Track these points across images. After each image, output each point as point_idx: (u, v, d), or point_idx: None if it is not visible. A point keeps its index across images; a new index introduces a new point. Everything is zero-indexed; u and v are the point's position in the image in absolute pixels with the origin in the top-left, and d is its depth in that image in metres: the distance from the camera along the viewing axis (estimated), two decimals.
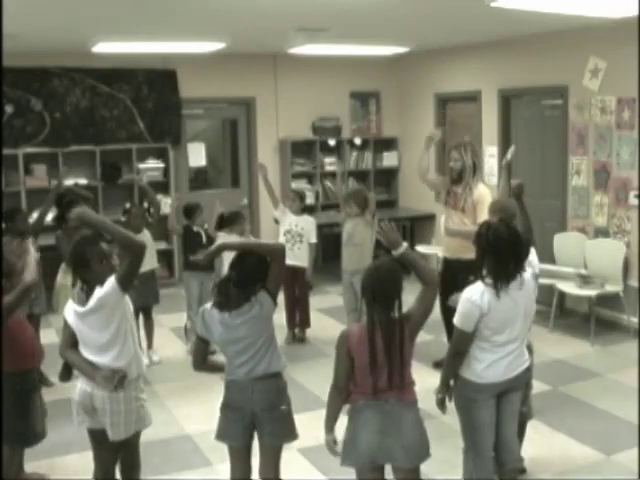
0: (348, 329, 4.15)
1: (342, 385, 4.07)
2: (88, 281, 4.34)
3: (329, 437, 4.12)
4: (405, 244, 4.24)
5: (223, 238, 7.85)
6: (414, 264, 4.20)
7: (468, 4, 6.78)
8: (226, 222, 8.02)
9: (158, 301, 7.99)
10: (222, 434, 4.42)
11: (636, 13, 6.68)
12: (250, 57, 11.07)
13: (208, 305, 4.35)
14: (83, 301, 4.32)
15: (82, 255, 4.37)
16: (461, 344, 4.38)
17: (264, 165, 8.74)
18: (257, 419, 4.30)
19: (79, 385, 4.47)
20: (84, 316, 4.30)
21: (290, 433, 4.43)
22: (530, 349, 4.79)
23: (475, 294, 4.29)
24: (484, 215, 6.74)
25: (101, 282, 4.28)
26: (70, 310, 4.40)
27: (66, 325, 4.46)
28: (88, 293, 4.31)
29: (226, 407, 4.39)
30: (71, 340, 4.45)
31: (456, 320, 4.36)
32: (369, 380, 3.96)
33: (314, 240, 8.51)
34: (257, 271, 4.27)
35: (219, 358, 4.45)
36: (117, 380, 4.29)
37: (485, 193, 7.07)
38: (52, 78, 10.43)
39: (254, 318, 4.21)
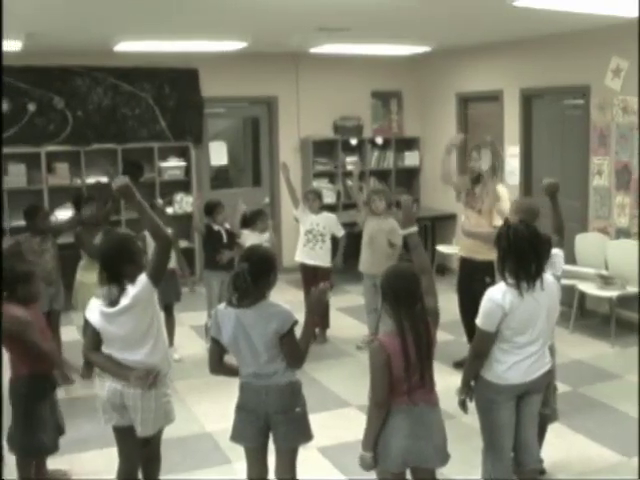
0: (381, 340, 4.02)
1: (384, 400, 3.96)
2: (120, 279, 4.32)
3: (367, 454, 4.04)
4: (416, 227, 4.36)
5: (247, 237, 7.89)
6: (417, 248, 4.32)
7: (490, 4, 6.78)
8: (248, 220, 8.05)
9: (179, 299, 8.03)
10: (237, 435, 4.42)
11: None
12: (272, 56, 11.08)
13: (222, 305, 4.35)
14: (113, 300, 4.31)
15: (124, 253, 4.39)
16: (483, 345, 4.37)
17: (287, 165, 8.75)
18: (271, 421, 4.29)
19: (108, 383, 4.46)
20: (115, 315, 4.30)
21: (305, 435, 4.40)
22: (552, 350, 4.78)
23: (497, 294, 4.28)
24: (501, 217, 6.74)
25: (132, 280, 4.30)
26: (95, 311, 4.39)
27: (89, 326, 4.47)
28: (119, 291, 4.31)
29: (240, 409, 4.39)
30: (95, 342, 4.45)
31: (478, 321, 4.34)
32: (403, 385, 3.93)
33: (341, 232, 8.49)
34: (270, 263, 4.30)
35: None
36: (152, 379, 4.32)
37: (502, 195, 7.04)
38: (74, 77, 10.49)
39: (264, 319, 4.20)
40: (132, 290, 4.29)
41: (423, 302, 4.00)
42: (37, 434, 4.97)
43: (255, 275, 4.16)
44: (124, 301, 4.28)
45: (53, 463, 5.42)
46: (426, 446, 3.97)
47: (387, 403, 3.96)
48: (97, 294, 4.43)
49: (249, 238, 7.81)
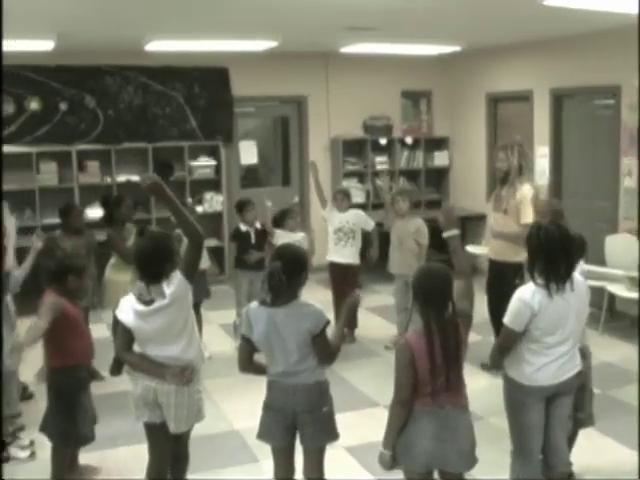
0: (407, 339, 4.02)
1: (406, 398, 3.96)
2: (158, 278, 4.35)
3: (387, 453, 4.04)
4: (457, 230, 4.37)
5: (280, 236, 7.89)
6: (457, 252, 4.35)
7: (520, 3, 6.75)
8: (278, 219, 8.08)
9: (209, 296, 8.03)
10: (264, 434, 4.43)
11: None
12: (302, 56, 11.10)
13: (254, 304, 4.36)
14: (149, 299, 4.35)
15: (163, 252, 4.43)
16: (507, 342, 4.38)
17: (316, 164, 8.76)
18: (298, 420, 4.30)
19: (141, 380, 4.50)
20: (151, 314, 4.34)
21: (331, 434, 4.41)
22: (587, 353, 4.76)
23: (526, 294, 4.27)
24: (526, 217, 6.71)
25: (167, 278, 4.35)
26: (127, 309, 4.41)
27: (120, 326, 4.48)
28: (156, 290, 4.34)
29: (268, 407, 4.40)
30: (127, 341, 4.48)
31: (506, 319, 4.33)
32: (427, 386, 3.92)
33: (372, 225, 8.46)
34: (301, 261, 4.31)
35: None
36: (188, 375, 4.36)
37: (527, 194, 6.99)
38: (105, 76, 10.56)
39: (296, 318, 4.21)
40: (168, 289, 4.32)
41: (454, 303, 3.99)
42: (78, 424, 5.07)
43: (288, 274, 4.17)
44: (161, 300, 4.32)
45: (83, 458, 5.49)
46: (451, 450, 3.95)
47: (410, 402, 3.95)
48: (131, 292, 4.45)
49: (281, 237, 7.80)
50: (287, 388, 4.28)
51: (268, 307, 4.22)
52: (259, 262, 7.80)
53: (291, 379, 4.26)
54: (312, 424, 4.29)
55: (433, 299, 3.95)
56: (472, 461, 4.06)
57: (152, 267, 4.37)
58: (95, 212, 9.29)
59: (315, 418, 4.29)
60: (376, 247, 8.45)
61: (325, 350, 4.24)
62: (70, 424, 5.03)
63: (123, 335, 4.49)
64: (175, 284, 4.33)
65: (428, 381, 3.90)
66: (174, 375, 4.34)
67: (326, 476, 4.49)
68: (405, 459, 4.01)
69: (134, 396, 4.54)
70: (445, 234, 4.39)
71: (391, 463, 4.05)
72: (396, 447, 4.02)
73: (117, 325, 4.53)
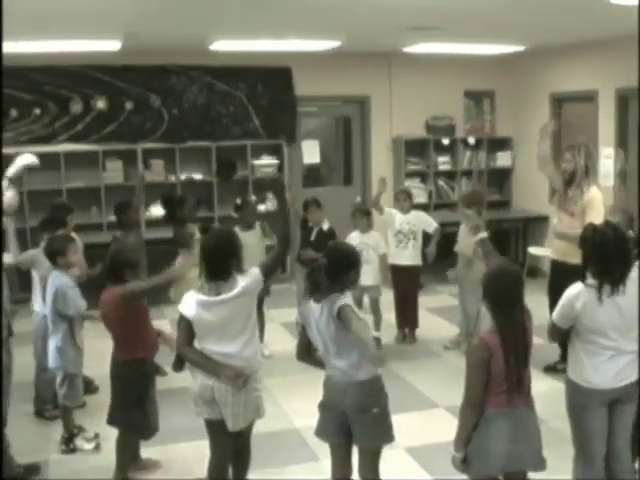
0: (483, 338, 3.99)
1: (479, 400, 3.92)
2: (225, 273, 4.42)
3: (459, 455, 4.00)
4: (485, 233, 4.54)
5: (352, 238, 7.88)
6: (488, 255, 4.48)
7: (586, 2, 6.68)
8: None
9: (269, 293, 8.07)
10: (320, 431, 4.49)
11: None
12: (365, 55, 11.09)
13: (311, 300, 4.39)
14: (214, 291, 4.41)
15: (230, 247, 4.51)
16: (553, 336, 4.49)
17: (385, 181, 8.40)
18: (349, 420, 4.31)
19: (199, 378, 4.55)
20: (215, 304, 4.40)
21: (384, 436, 4.38)
22: None
23: (572, 293, 4.27)
24: (593, 218, 6.61)
25: (230, 273, 4.42)
26: (191, 302, 4.47)
27: (183, 321, 4.54)
28: (221, 285, 4.41)
29: (322, 405, 4.44)
30: (189, 336, 4.53)
31: (553, 314, 4.37)
32: (502, 385, 3.89)
33: (434, 226, 8.39)
34: (348, 261, 4.33)
35: None
36: (242, 382, 4.39)
37: (596, 196, 6.89)
38: (170, 75, 10.67)
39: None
40: (243, 281, 4.42)
41: (523, 303, 3.99)
42: (147, 415, 5.19)
43: (331, 271, 4.22)
44: (230, 291, 4.38)
45: (145, 452, 5.57)
46: (525, 450, 3.93)
47: (480, 404, 3.91)
48: (197, 288, 4.51)
49: (354, 239, 7.79)
50: (338, 386, 4.30)
51: (313, 299, 4.30)
52: (315, 261, 7.81)
53: (339, 376, 4.28)
54: (362, 425, 4.30)
55: (503, 299, 3.94)
56: (543, 461, 4.02)
57: (218, 263, 4.43)
58: (158, 210, 9.40)
59: (365, 419, 4.28)
60: (434, 245, 8.38)
61: (349, 322, 4.13)
62: (140, 415, 5.14)
63: (185, 330, 4.54)
64: (249, 278, 4.43)
65: (502, 380, 3.87)
66: (229, 377, 4.38)
67: (386, 476, 4.50)
68: (479, 463, 3.96)
69: (194, 393, 4.60)
70: (475, 237, 4.41)
71: (463, 466, 4.02)
72: (469, 450, 3.98)
73: (181, 320, 4.60)
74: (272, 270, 4.55)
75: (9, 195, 6.96)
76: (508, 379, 3.87)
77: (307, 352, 4.50)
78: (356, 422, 4.29)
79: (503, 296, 3.94)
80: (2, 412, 4.78)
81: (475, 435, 3.96)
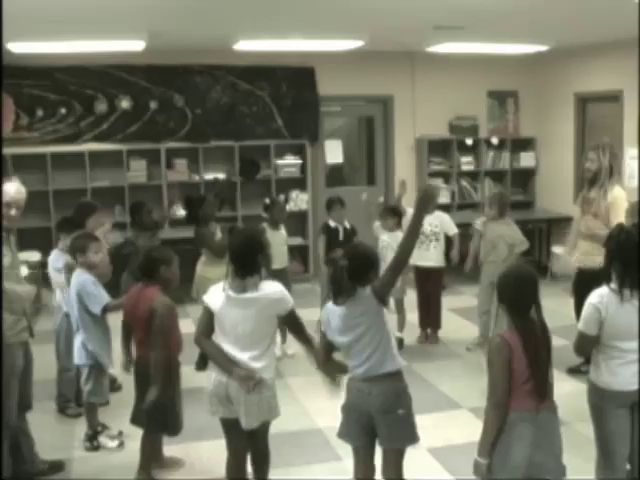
0: (504, 336, 3.90)
1: (502, 401, 3.84)
2: (250, 270, 4.43)
3: (484, 462, 3.89)
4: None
5: (377, 228, 7.93)
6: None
7: (614, 2, 6.65)
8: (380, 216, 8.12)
9: (290, 292, 8.08)
10: (343, 433, 4.47)
11: None
12: (388, 55, 11.10)
13: (331, 302, 4.38)
14: (240, 288, 4.43)
15: (256, 245, 4.53)
16: (581, 346, 4.37)
17: (405, 184, 8.45)
18: (374, 421, 4.29)
19: (213, 375, 4.57)
20: (242, 301, 4.41)
21: (408, 437, 4.36)
22: None
23: (596, 297, 4.22)
24: (617, 219, 6.57)
25: (257, 270, 4.44)
26: (218, 294, 4.48)
27: (206, 312, 4.55)
28: (249, 282, 4.43)
29: (346, 407, 4.42)
30: (208, 328, 4.54)
31: (579, 324, 4.29)
32: (524, 389, 3.84)
33: (454, 231, 8.40)
34: (369, 260, 4.32)
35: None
36: (252, 385, 4.40)
37: (620, 197, 6.83)
38: (194, 75, 10.73)
39: (366, 311, 4.22)
40: (267, 288, 4.45)
41: (539, 305, 3.95)
42: (171, 413, 5.20)
43: (352, 272, 4.20)
44: (256, 290, 4.41)
45: (168, 450, 5.59)
46: (548, 457, 3.86)
47: (506, 406, 3.83)
48: (222, 286, 4.52)
49: (380, 237, 7.82)
50: (362, 387, 4.28)
51: (334, 301, 4.27)
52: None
53: (364, 377, 4.26)
54: (387, 426, 4.28)
55: (519, 300, 3.92)
56: (563, 468, 3.95)
57: (245, 260, 4.44)
58: (181, 209, 9.45)
59: (390, 420, 4.27)
60: (457, 251, 8.38)
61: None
62: (164, 414, 5.15)
63: (205, 321, 4.55)
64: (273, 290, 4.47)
65: (523, 382, 3.82)
66: (239, 377, 4.39)
67: (408, 477, 4.49)
68: (503, 471, 3.86)
69: (209, 391, 4.61)
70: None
71: (486, 474, 3.90)
72: (493, 457, 3.89)
73: (204, 312, 4.61)
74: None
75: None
76: (532, 379, 3.82)
77: (328, 359, 4.48)
78: (381, 423, 4.28)
79: (518, 298, 3.92)
80: (2, 412, 4.80)
81: (498, 440, 3.89)
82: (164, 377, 5.07)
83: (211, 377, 4.60)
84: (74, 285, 5.82)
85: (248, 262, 4.44)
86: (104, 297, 5.77)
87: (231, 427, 4.63)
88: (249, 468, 4.83)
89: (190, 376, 6.83)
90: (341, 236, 8.06)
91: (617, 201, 6.80)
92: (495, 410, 3.86)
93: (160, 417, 5.15)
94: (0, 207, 4.70)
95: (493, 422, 3.87)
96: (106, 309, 5.75)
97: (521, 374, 3.83)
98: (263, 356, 4.49)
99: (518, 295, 3.92)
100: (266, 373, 4.50)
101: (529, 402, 3.85)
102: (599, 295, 4.22)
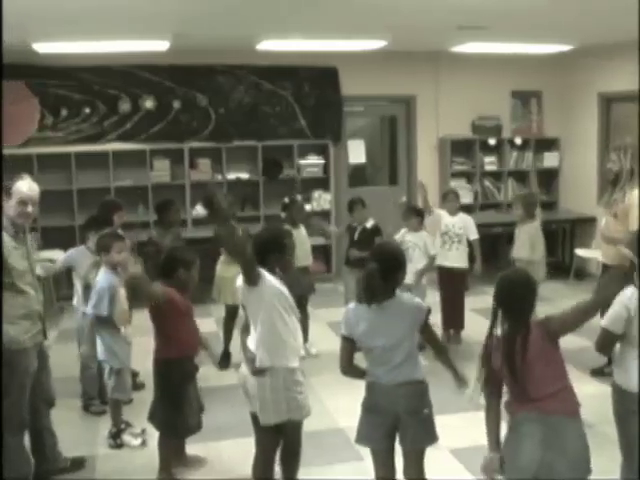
0: (493, 337, 4.08)
1: (488, 391, 4.05)
2: (269, 267, 4.54)
3: (494, 455, 3.98)
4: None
5: (405, 236, 7.93)
6: None
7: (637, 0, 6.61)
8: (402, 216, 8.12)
9: (314, 291, 8.09)
10: (363, 437, 4.43)
11: None
12: (411, 55, 11.08)
13: (353, 303, 4.39)
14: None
15: (271, 242, 4.66)
16: (604, 345, 4.38)
17: (424, 185, 8.57)
18: (400, 422, 4.28)
19: (240, 368, 4.71)
20: (248, 292, 4.54)
21: (431, 436, 4.37)
22: None
23: (624, 296, 4.22)
24: (635, 223, 6.53)
25: (271, 268, 4.56)
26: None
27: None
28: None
29: (368, 410, 4.38)
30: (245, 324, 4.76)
31: (604, 321, 4.29)
32: (517, 391, 3.90)
33: (475, 236, 8.39)
34: (396, 260, 4.32)
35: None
36: (255, 369, 4.49)
37: (637, 200, 6.82)
38: (217, 75, 10.77)
39: (405, 318, 4.24)
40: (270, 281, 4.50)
41: (530, 308, 3.99)
42: (184, 415, 5.19)
43: (384, 273, 4.19)
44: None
45: (190, 449, 5.61)
46: (559, 459, 3.81)
47: (495, 394, 4.05)
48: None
49: (406, 237, 7.85)
50: (389, 389, 4.27)
51: (368, 306, 4.24)
52: (362, 260, 7.81)
53: (392, 379, 4.25)
54: (413, 426, 4.28)
55: (508, 305, 3.97)
56: (584, 472, 3.89)
57: (257, 252, 4.55)
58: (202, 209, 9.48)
59: (416, 420, 4.28)
60: (479, 260, 8.39)
61: (434, 337, 4.48)
62: (176, 415, 5.16)
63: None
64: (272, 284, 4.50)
65: (515, 382, 3.89)
66: (247, 358, 4.56)
67: (430, 477, 4.49)
68: (511, 467, 3.91)
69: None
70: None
71: (497, 469, 3.96)
72: (502, 456, 3.96)
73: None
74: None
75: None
76: (514, 382, 3.90)
77: (351, 363, 4.44)
78: (407, 424, 4.27)
79: (508, 301, 3.98)
80: (2, 412, 4.83)
81: (507, 439, 3.97)
82: (164, 379, 5.12)
83: (239, 370, 4.75)
84: (97, 284, 5.87)
85: (258, 254, 4.54)
86: (103, 307, 5.83)
87: (255, 421, 4.67)
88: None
89: (211, 375, 6.84)
90: (356, 236, 8.07)
91: (634, 205, 6.76)
92: (485, 398, 4.10)
93: (168, 420, 5.18)
94: (0, 201, 4.74)
95: (487, 410, 4.09)
96: (96, 317, 5.82)
97: (505, 375, 3.93)
98: (260, 342, 4.57)
99: (507, 299, 3.99)
100: (265, 358, 4.53)
101: (528, 402, 3.88)
102: (628, 295, 4.22)
